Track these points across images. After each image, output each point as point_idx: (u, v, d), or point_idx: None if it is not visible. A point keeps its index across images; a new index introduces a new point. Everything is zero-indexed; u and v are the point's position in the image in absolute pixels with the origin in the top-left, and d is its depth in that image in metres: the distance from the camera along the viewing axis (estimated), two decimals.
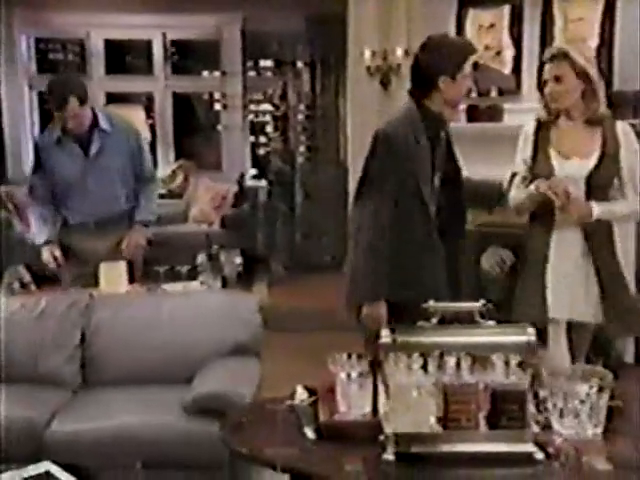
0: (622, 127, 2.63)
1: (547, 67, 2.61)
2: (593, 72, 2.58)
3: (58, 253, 3.51)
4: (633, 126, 2.73)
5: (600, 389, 1.74)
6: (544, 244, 2.64)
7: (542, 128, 2.66)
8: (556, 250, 2.64)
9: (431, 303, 1.79)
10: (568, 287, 2.63)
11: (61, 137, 3.48)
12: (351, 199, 6.45)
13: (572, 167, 2.60)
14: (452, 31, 4.92)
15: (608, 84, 3.88)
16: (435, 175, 2.55)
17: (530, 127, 2.69)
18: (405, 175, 2.46)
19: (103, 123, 3.49)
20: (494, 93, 4.93)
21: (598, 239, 2.62)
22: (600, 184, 2.59)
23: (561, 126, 2.64)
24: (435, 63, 2.49)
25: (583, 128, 2.62)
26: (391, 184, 2.45)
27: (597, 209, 2.58)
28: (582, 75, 2.56)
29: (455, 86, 2.50)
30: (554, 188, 2.53)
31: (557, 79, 2.58)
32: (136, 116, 7.32)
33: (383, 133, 2.49)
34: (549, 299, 2.62)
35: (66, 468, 2.45)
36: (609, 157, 2.59)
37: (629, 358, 4.39)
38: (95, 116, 3.47)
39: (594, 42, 4.30)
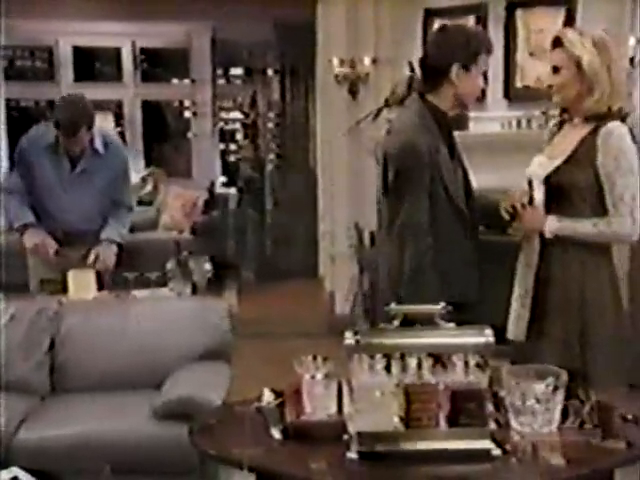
0: (606, 129, 2.23)
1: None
2: (589, 62, 2.22)
3: (46, 236, 3.43)
4: None
5: (555, 388, 1.77)
6: (518, 256, 2.41)
7: (559, 128, 2.41)
8: (519, 265, 2.41)
9: (393, 306, 1.81)
10: (522, 309, 2.37)
11: (53, 145, 3.43)
12: (321, 206, 6.53)
13: (537, 166, 2.36)
14: (418, 41, 5.03)
15: None
16: (458, 180, 2.36)
17: (550, 127, 2.47)
18: (435, 185, 2.27)
19: (98, 144, 3.46)
20: None
21: (568, 260, 2.28)
22: (559, 188, 2.29)
23: (574, 125, 2.34)
24: (448, 49, 2.27)
25: (580, 127, 2.31)
26: (424, 195, 2.25)
27: (553, 224, 2.28)
28: (580, 66, 2.22)
29: (468, 79, 2.27)
30: (506, 201, 2.35)
31: (555, 70, 2.29)
32: (105, 123, 7.33)
33: (410, 144, 2.25)
34: (510, 320, 2.40)
35: (35, 474, 2.45)
36: (578, 160, 2.26)
37: None
38: (92, 135, 3.44)
39: None
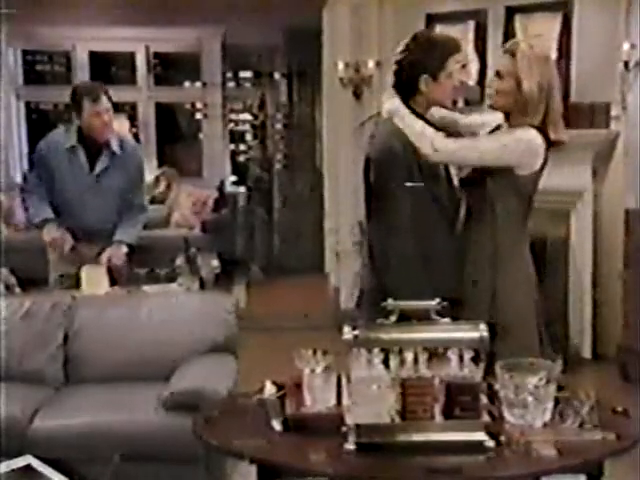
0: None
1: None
2: (529, 88, 2.24)
3: (64, 232, 3.49)
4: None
5: (547, 381, 1.81)
6: None
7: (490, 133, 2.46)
8: None
9: (390, 301, 1.85)
10: None
11: (75, 146, 3.48)
12: (327, 204, 6.59)
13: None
14: None
15: (566, 96, 3.90)
16: (440, 174, 2.41)
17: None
18: (416, 181, 2.33)
19: (114, 144, 3.52)
20: (461, 103, 5.08)
21: (480, 255, 2.37)
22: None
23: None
24: (415, 61, 2.31)
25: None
26: (405, 193, 2.31)
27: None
28: (520, 87, 2.24)
29: (438, 87, 2.31)
30: None
31: (498, 74, 2.31)
32: (120, 125, 7.41)
33: (387, 147, 2.34)
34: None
35: (48, 462, 2.51)
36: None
37: (586, 354, 4.49)
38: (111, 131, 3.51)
39: (553, 56, 4.46)
